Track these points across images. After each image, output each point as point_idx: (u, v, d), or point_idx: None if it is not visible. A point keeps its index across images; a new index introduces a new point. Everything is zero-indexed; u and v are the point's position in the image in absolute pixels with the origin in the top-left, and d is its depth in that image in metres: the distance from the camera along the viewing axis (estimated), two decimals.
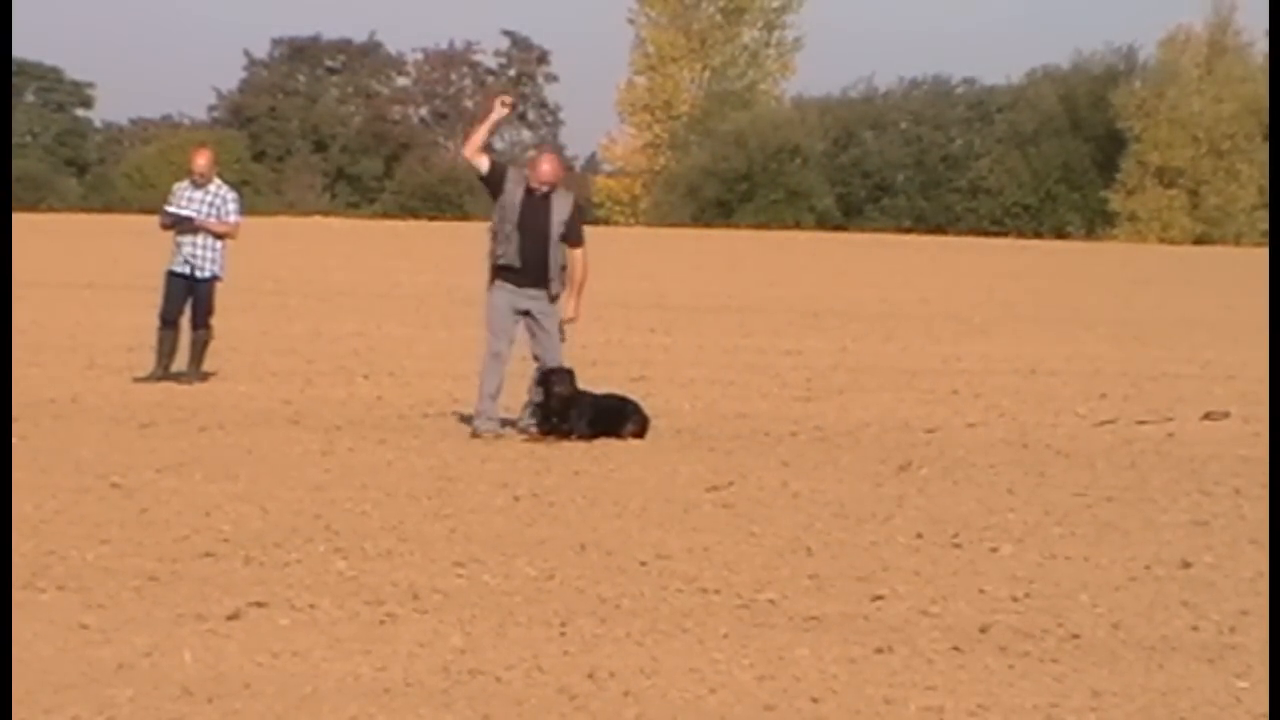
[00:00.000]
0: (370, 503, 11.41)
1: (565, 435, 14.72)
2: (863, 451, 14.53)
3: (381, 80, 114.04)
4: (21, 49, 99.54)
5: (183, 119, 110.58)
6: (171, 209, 18.95)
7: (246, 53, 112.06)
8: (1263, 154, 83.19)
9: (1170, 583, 9.53)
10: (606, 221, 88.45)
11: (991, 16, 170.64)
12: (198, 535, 10.22)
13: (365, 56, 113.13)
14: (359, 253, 55.32)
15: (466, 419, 15.46)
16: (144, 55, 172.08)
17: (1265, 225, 79.94)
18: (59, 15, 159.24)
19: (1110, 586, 9.37)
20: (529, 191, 14.97)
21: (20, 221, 47.30)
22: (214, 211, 18.88)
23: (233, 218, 19.02)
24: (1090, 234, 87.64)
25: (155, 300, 19.05)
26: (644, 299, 35.16)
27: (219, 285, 19.05)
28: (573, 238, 15.17)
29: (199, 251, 18.82)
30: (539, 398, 14.92)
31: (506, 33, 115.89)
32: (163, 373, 18.60)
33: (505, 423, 15.11)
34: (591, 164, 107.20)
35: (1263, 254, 57.99)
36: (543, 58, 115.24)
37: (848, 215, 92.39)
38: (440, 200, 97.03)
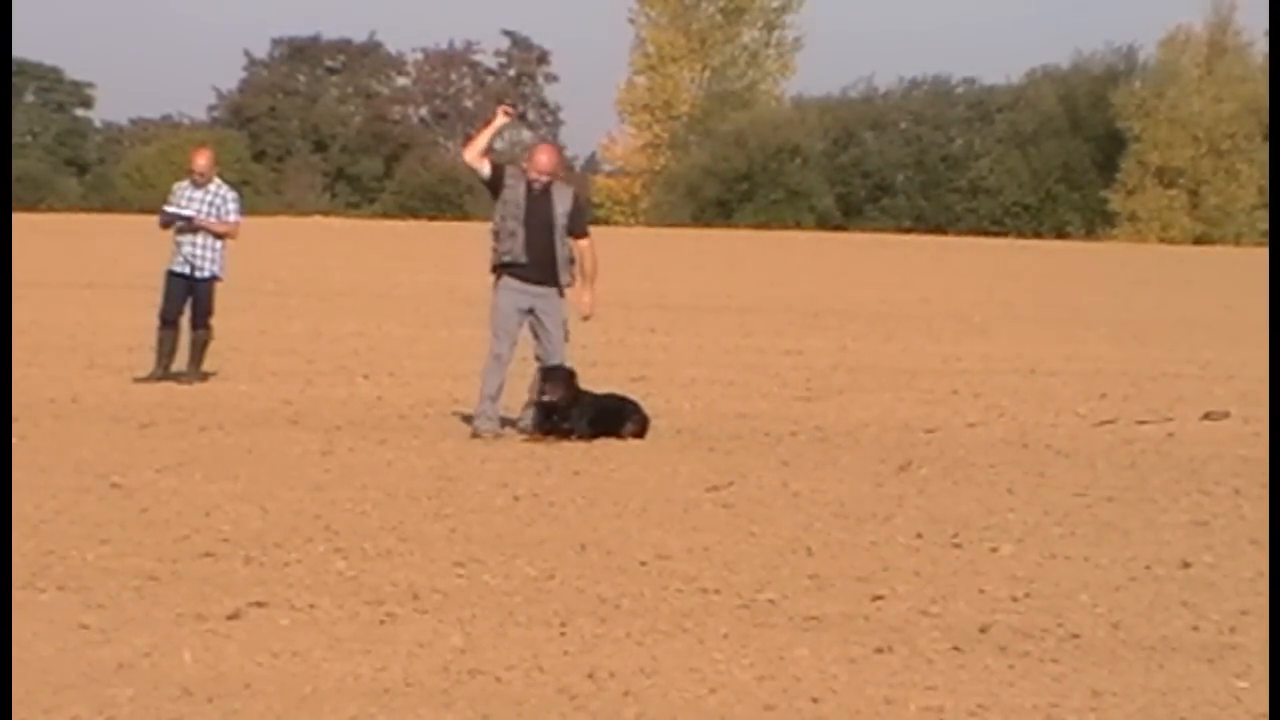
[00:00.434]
0: (370, 503, 11.40)
1: (565, 435, 14.72)
2: (863, 451, 14.53)
3: (381, 80, 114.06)
4: (21, 49, 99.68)
5: (183, 119, 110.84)
6: (170, 208, 18.94)
7: (246, 53, 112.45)
8: (1263, 154, 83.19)
9: (1170, 583, 9.52)
10: (606, 221, 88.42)
11: (991, 16, 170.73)
12: (198, 535, 10.22)
13: (365, 56, 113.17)
14: (359, 253, 55.31)
15: (466, 419, 15.46)
16: (144, 55, 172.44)
17: (1265, 225, 79.93)
18: (59, 15, 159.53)
19: (1110, 586, 9.36)
20: (529, 186, 14.98)
21: (20, 221, 47.33)
22: (214, 211, 18.87)
23: (233, 217, 19.01)
24: (1090, 234, 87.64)
25: (155, 300, 19.05)
26: (644, 299, 35.11)
27: (219, 285, 19.04)
28: (577, 229, 15.15)
29: (199, 251, 18.81)
30: (539, 396, 14.93)
31: (506, 33, 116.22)
32: (163, 373, 18.60)
33: (505, 423, 15.12)
34: (591, 164, 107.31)
35: (1263, 254, 57.99)
36: (543, 58, 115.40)
37: (848, 215, 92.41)
38: (440, 200, 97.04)
